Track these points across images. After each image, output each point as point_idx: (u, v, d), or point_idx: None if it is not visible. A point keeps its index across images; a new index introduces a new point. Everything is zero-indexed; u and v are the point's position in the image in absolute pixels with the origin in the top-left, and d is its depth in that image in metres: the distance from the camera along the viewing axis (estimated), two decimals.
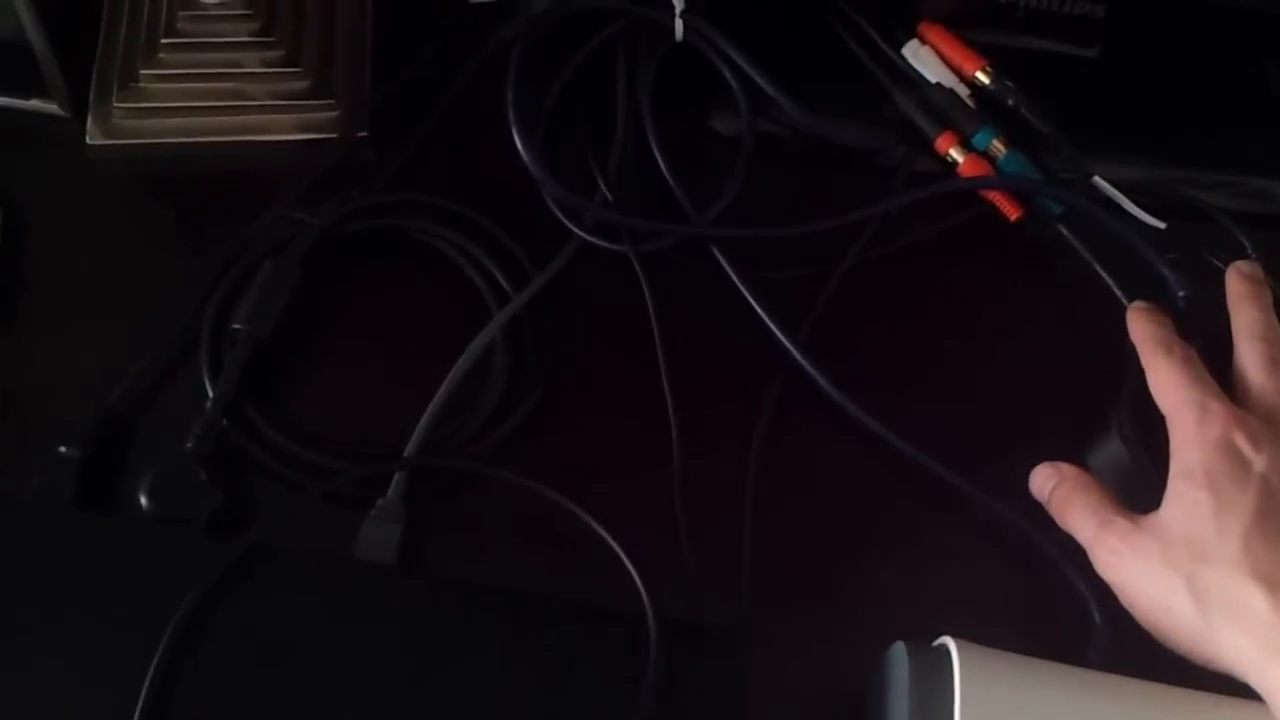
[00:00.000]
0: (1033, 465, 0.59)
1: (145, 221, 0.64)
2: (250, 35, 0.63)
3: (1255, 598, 0.48)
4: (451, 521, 0.56)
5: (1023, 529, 0.57)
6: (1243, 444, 0.52)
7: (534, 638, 0.52)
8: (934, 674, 0.48)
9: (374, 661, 0.50)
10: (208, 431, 0.55)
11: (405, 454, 0.56)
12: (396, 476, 0.55)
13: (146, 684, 0.48)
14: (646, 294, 0.62)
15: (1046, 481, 0.57)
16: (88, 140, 0.63)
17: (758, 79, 0.64)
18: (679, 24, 0.66)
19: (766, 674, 0.53)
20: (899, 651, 0.49)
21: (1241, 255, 0.63)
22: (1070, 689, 0.49)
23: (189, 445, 0.55)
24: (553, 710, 0.50)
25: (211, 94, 0.64)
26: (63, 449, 0.55)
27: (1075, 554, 0.56)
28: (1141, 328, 0.57)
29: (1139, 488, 0.56)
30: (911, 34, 0.66)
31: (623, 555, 0.53)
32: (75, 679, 0.49)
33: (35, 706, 0.48)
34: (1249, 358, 0.56)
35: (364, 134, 0.65)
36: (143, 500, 0.53)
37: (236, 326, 0.58)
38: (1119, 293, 0.62)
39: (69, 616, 0.50)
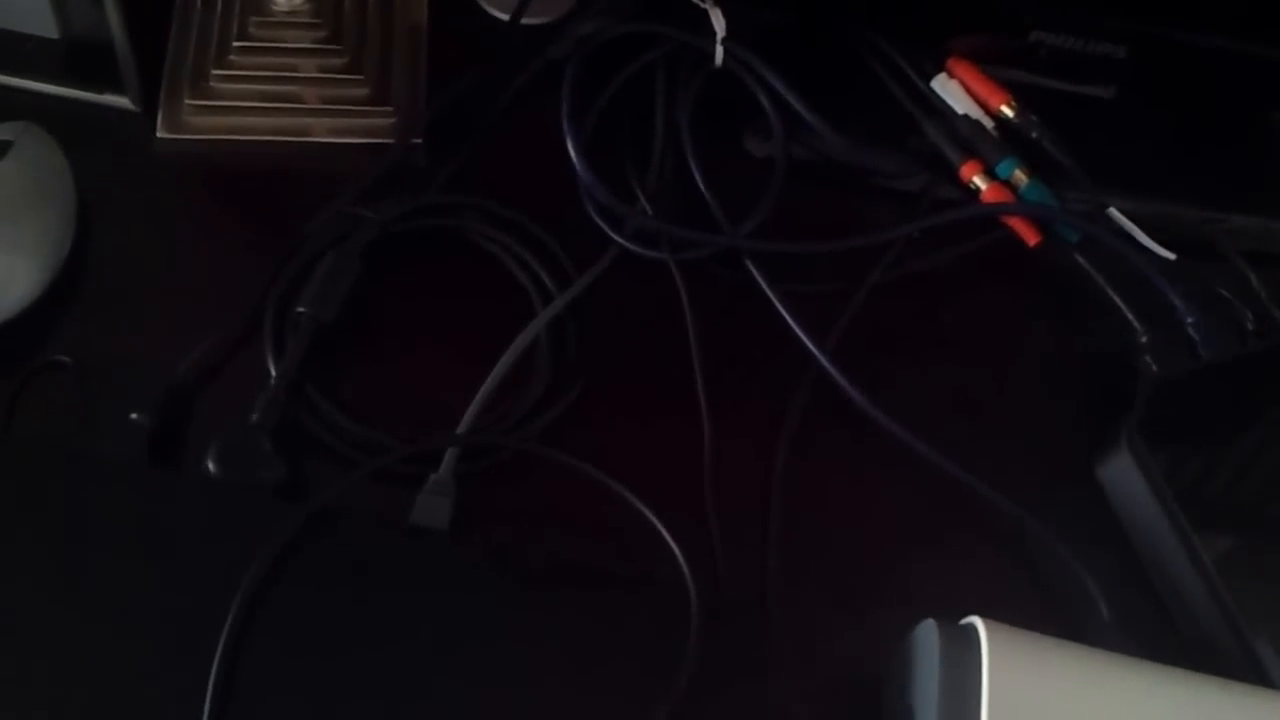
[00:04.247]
0: (1048, 473, 0.62)
1: (209, 212, 0.67)
2: (316, 43, 0.67)
3: None
4: (498, 499, 0.59)
5: (1036, 529, 0.60)
6: None
7: (578, 604, 0.55)
8: (962, 650, 0.51)
9: (430, 624, 0.53)
10: (272, 405, 0.58)
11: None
12: (448, 454, 0.58)
13: (224, 636, 0.51)
14: (684, 300, 0.65)
15: None
16: (157, 134, 0.66)
17: (796, 105, 0.67)
18: (719, 50, 0.69)
19: (785, 654, 0.56)
20: (928, 629, 0.52)
21: (1248, 288, 0.66)
22: (1095, 668, 0.52)
23: (254, 417, 0.58)
24: (593, 671, 0.53)
25: (277, 96, 0.67)
26: (134, 416, 0.57)
27: (1086, 554, 0.59)
28: None
29: (1142, 501, 0.60)
30: (940, 68, 0.70)
31: (664, 531, 0.56)
32: (155, 630, 0.51)
33: (118, 654, 0.51)
34: None
35: (418, 140, 0.68)
36: (211, 466, 0.56)
37: (300, 310, 0.61)
38: (1131, 317, 0.65)
39: (147, 569, 0.52)
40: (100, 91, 0.67)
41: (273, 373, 0.60)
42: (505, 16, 0.73)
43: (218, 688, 0.50)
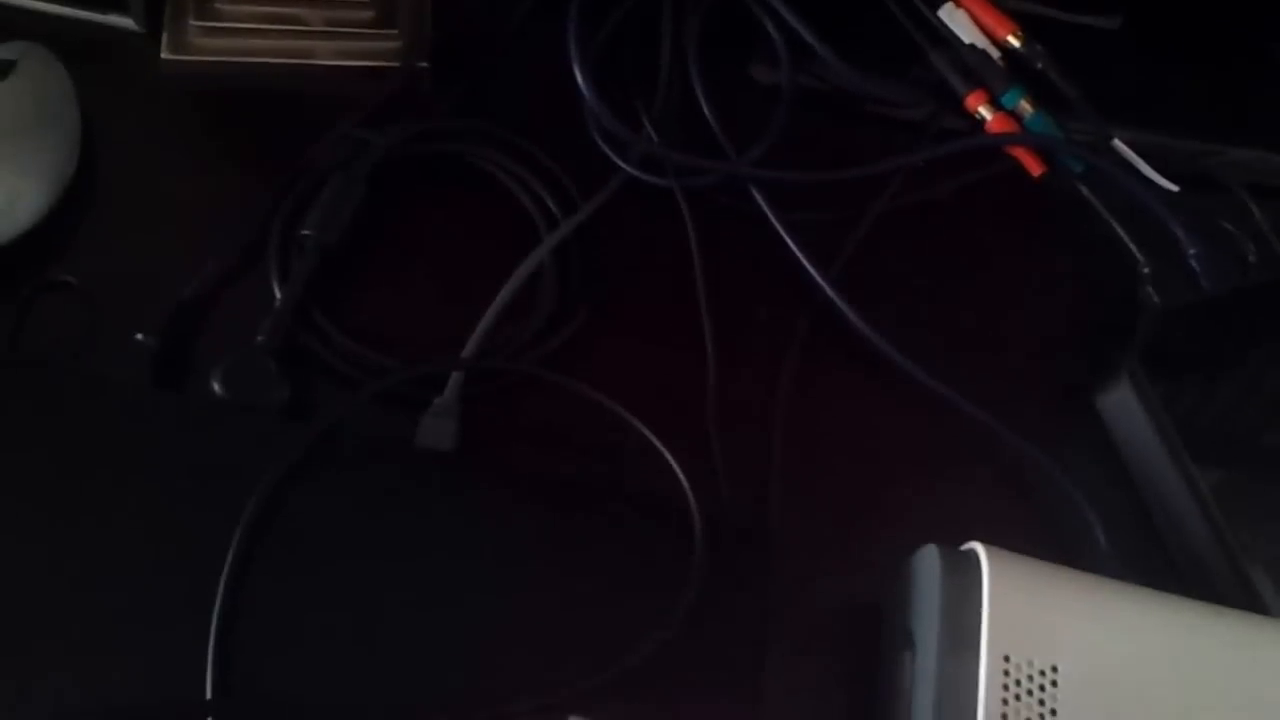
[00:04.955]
0: (1049, 402, 0.63)
1: (214, 134, 0.66)
2: None
3: None
4: (503, 423, 0.59)
5: (1036, 458, 0.61)
6: None
7: (581, 525, 0.55)
8: (963, 575, 0.51)
9: (435, 543, 0.54)
10: (277, 327, 0.58)
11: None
12: (453, 377, 0.59)
13: (230, 554, 0.51)
14: (689, 227, 0.65)
15: None
16: (162, 55, 0.66)
17: (803, 33, 0.67)
18: None
19: (786, 576, 0.57)
20: (929, 553, 0.53)
21: (1249, 221, 0.67)
22: (1094, 594, 0.52)
23: (260, 339, 0.58)
24: (596, 591, 0.54)
25: (282, 18, 0.67)
26: (139, 336, 0.57)
27: (1084, 483, 0.60)
28: None
29: (1141, 431, 0.60)
30: None
31: (668, 455, 0.56)
32: (160, 549, 0.52)
33: (122, 573, 0.51)
34: None
35: (424, 65, 0.68)
36: (216, 387, 0.56)
37: (306, 233, 0.61)
38: (1133, 248, 0.65)
39: (151, 488, 0.53)
40: (105, 12, 0.66)
41: (277, 295, 0.60)
42: None
43: (224, 606, 0.51)
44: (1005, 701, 0.49)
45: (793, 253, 0.64)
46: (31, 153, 0.60)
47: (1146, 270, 0.64)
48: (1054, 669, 0.50)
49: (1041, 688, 0.49)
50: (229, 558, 0.51)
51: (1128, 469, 0.62)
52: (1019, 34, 0.68)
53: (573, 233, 0.64)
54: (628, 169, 0.65)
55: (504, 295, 0.61)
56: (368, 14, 0.67)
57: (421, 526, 0.54)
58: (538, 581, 0.53)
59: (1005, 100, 0.68)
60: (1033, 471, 0.61)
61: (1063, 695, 0.49)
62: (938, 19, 0.70)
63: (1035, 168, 0.67)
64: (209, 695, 0.50)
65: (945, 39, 0.69)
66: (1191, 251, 0.64)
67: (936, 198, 0.68)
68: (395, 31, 0.68)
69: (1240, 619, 0.53)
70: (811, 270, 0.64)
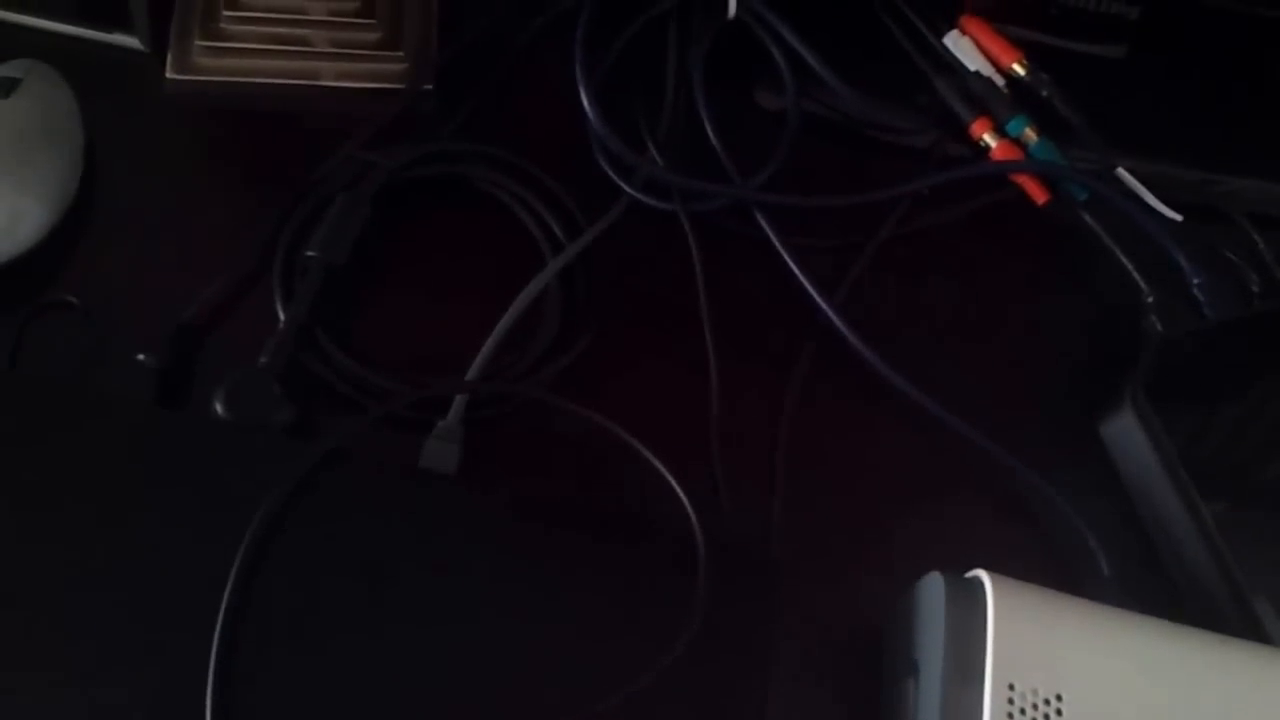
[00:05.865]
0: (1052, 430, 0.63)
1: (218, 154, 0.66)
2: None
3: None
4: (506, 446, 0.59)
5: (1039, 485, 0.60)
6: None
7: (584, 549, 0.55)
8: (968, 603, 0.51)
9: (437, 566, 0.53)
10: (281, 348, 0.58)
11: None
12: (456, 401, 0.58)
13: (233, 574, 0.51)
14: (694, 251, 0.65)
15: None
16: (167, 74, 0.66)
17: (809, 58, 0.67)
18: (732, 1, 0.69)
19: (789, 602, 0.56)
20: (934, 581, 0.52)
21: (1253, 250, 0.67)
22: (1099, 622, 0.52)
23: (263, 360, 0.58)
24: (597, 615, 0.54)
25: (288, 39, 0.67)
26: (141, 357, 0.57)
27: (1087, 510, 0.59)
28: None
29: (1145, 459, 0.60)
30: (953, 25, 0.70)
31: (671, 479, 0.56)
32: (161, 569, 0.52)
33: (122, 594, 0.51)
34: None
35: (429, 87, 0.68)
36: (218, 408, 0.56)
37: (311, 254, 0.61)
38: (1137, 277, 0.65)
39: (152, 510, 0.53)
40: (110, 31, 0.66)
41: (281, 316, 0.60)
42: None
43: (225, 628, 0.50)
44: None
45: (797, 278, 0.64)
46: (35, 171, 0.60)
47: (1150, 299, 0.64)
48: (1058, 697, 0.49)
49: (1046, 716, 0.49)
50: (230, 579, 0.51)
51: (1131, 497, 0.62)
52: (1024, 62, 0.69)
53: (577, 256, 0.64)
54: (632, 193, 0.65)
55: (508, 319, 0.61)
56: (374, 36, 0.68)
57: (423, 549, 0.53)
58: (539, 606, 0.53)
59: (1010, 128, 0.68)
60: (1036, 499, 0.61)
61: None
62: (943, 46, 0.70)
63: (1039, 196, 0.67)
64: (208, 718, 0.49)
65: (950, 66, 0.69)
66: (1195, 281, 0.64)
67: (940, 224, 0.68)
68: (401, 54, 0.68)
69: (1243, 648, 0.53)
70: (815, 295, 0.64)
